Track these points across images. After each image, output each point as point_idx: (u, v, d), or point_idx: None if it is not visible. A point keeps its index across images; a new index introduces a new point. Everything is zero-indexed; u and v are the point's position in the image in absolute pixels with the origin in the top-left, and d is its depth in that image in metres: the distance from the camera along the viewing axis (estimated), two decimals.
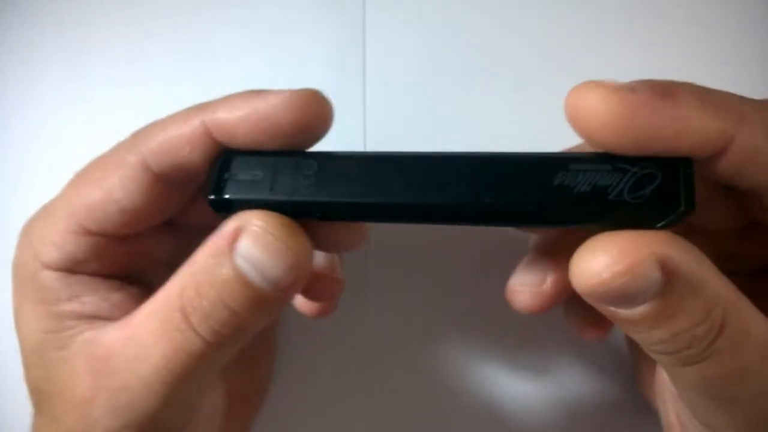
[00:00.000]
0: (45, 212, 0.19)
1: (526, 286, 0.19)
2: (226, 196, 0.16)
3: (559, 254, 0.19)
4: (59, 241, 0.18)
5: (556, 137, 0.27)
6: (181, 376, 0.16)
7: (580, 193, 0.14)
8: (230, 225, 0.16)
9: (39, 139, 0.28)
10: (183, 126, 0.17)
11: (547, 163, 0.14)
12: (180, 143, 0.17)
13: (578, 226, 0.15)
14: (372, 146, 0.27)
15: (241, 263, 0.15)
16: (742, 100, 0.14)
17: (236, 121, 0.17)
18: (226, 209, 0.17)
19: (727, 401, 0.15)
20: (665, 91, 0.14)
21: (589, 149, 0.16)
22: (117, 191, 0.18)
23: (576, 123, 0.14)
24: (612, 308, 0.14)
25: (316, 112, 0.17)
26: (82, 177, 0.19)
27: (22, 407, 0.28)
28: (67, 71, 0.29)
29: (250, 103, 0.17)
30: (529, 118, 0.27)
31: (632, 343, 0.24)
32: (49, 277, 0.18)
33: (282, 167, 0.16)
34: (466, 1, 0.28)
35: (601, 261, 0.13)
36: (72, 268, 0.18)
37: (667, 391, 0.20)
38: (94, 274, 0.19)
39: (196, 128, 0.17)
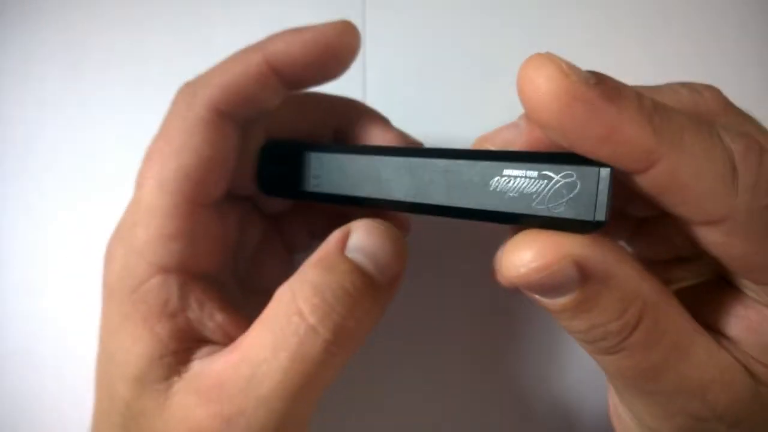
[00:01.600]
0: (138, 214, 0.18)
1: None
2: (271, 188, 0.19)
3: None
4: (172, 228, 0.17)
5: None
6: (301, 388, 0.16)
7: (510, 198, 0.15)
8: (336, 234, 0.17)
9: (38, 139, 0.28)
10: (246, 65, 0.18)
11: (486, 167, 0.15)
12: (246, 82, 0.18)
13: (516, 226, 0.16)
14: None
15: (355, 255, 0.17)
16: (688, 126, 0.14)
17: (299, 55, 0.18)
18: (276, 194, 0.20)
19: (646, 395, 0.16)
20: (612, 94, 0.13)
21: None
22: (205, 148, 0.18)
23: (519, 91, 0.15)
24: (537, 297, 0.15)
25: (354, 34, 0.19)
26: (158, 155, 0.18)
27: (23, 407, 0.28)
28: (66, 71, 0.29)
29: (305, 36, 0.18)
30: None
31: None
32: (162, 283, 0.17)
33: (312, 160, 0.19)
34: (466, 1, 0.28)
35: (522, 257, 0.14)
36: (188, 260, 0.18)
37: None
38: (202, 277, 0.18)
39: (260, 65, 0.18)
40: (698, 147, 0.13)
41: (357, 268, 0.16)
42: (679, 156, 0.13)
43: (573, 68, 0.14)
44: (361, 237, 0.17)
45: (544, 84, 0.14)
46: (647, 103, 0.14)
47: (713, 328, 0.17)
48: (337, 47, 0.19)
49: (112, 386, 0.18)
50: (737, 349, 0.16)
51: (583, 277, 0.14)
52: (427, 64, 0.28)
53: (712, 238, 0.15)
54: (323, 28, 0.19)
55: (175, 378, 0.17)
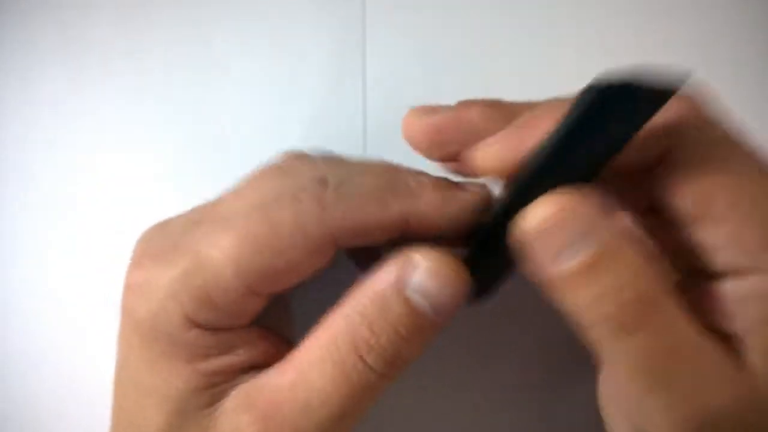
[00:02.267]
0: (199, 271, 0.17)
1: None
2: None
3: None
4: (222, 303, 0.17)
5: None
6: (354, 414, 0.17)
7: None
8: (397, 264, 0.17)
9: (39, 139, 0.28)
10: (382, 214, 0.17)
11: None
12: (374, 230, 0.18)
13: None
14: (372, 146, 0.27)
15: (414, 296, 0.17)
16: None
17: (433, 222, 0.18)
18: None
19: (662, 387, 0.16)
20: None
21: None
22: (301, 266, 0.17)
23: (407, 137, 0.19)
24: (550, 264, 0.15)
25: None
26: (256, 236, 0.17)
27: (23, 408, 0.28)
28: (65, 71, 0.29)
29: (446, 205, 0.18)
30: None
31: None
32: (200, 336, 0.17)
33: None
34: (466, 1, 0.28)
35: (544, 208, 0.15)
36: (227, 325, 0.18)
37: (610, 402, 0.20)
38: (243, 327, 0.18)
39: (395, 221, 0.18)
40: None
41: (414, 312, 0.17)
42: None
43: (427, 107, 0.20)
44: (424, 278, 0.17)
45: (412, 121, 0.20)
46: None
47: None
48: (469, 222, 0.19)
49: (144, 414, 0.17)
50: (724, 338, 0.16)
51: (597, 231, 0.15)
52: (428, 65, 0.28)
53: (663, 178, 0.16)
54: (466, 202, 0.18)
55: (222, 401, 0.17)
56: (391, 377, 0.17)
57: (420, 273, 0.17)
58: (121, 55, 0.28)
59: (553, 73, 0.27)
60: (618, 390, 0.18)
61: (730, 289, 0.16)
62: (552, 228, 0.15)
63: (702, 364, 0.15)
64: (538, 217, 0.15)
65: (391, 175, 0.18)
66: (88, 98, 0.28)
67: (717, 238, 0.16)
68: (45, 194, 0.28)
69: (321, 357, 0.17)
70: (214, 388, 0.17)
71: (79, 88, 0.28)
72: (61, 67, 0.28)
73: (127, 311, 0.18)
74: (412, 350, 0.17)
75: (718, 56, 0.27)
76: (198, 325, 0.17)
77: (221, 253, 0.17)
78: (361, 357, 0.16)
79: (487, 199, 0.19)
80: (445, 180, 0.19)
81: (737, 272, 0.16)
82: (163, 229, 0.19)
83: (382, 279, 0.17)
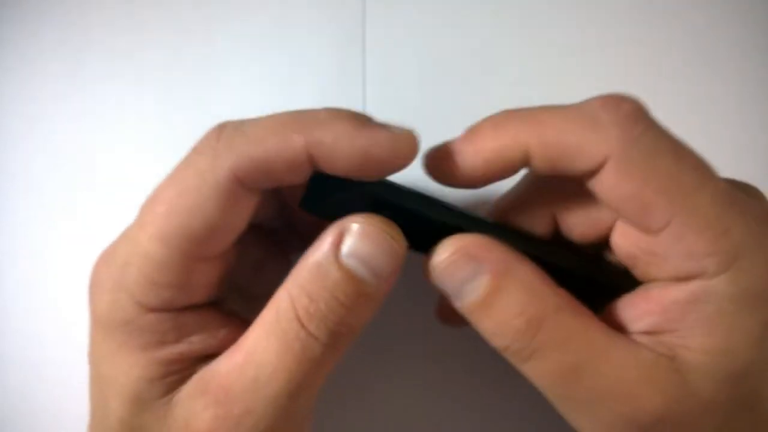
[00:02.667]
0: (134, 257, 0.17)
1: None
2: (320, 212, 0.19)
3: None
4: (166, 278, 0.17)
5: None
6: (304, 385, 0.17)
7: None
8: (330, 233, 0.17)
9: (37, 137, 0.28)
10: (284, 145, 0.17)
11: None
12: (278, 163, 0.17)
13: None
14: None
15: (349, 261, 0.17)
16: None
17: (343, 157, 0.17)
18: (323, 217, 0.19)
19: (574, 401, 0.17)
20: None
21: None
22: (216, 214, 0.17)
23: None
24: (453, 300, 0.17)
25: (413, 155, 0.18)
26: (166, 205, 0.17)
27: (23, 407, 0.28)
28: (66, 69, 0.29)
29: (359, 139, 0.17)
30: None
31: None
32: (156, 320, 0.17)
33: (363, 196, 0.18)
34: (465, 0, 0.28)
35: (440, 256, 0.17)
36: (180, 303, 0.18)
37: None
38: (198, 308, 0.18)
39: (299, 152, 0.17)
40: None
41: (351, 276, 0.17)
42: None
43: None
44: (356, 242, 0.17)
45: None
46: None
47: (629, 329, 0.17)
48: (388, 164, 0.17)
49: (107, 405, 0.18)
50: (659, 342, 0.16)
51: (484, 267, 0.17)
52: (428, 64, 0.28)
53: (604, 184, 0.17)
54: (382, 140, 0.17)
55: (177, 389, 0.17)
56: (337, 347, 0.17)
57: (352, 237, 0.17)
58: (122, 55, 0.28)
59: (552, 72, 0.27)
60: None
61: (673, 293, 0.17)
62: (449, 267, 0.17)
63: (623, 371, 0.16)
64: (440, 256, 0.17)
65: (299, 111, 0.18)
66: (88, 97, 0.28)
67: (658, 245, 0.16)
68: (45, 193, 0.28)
69: (265, 333, 0.17)
70: (171, 377, 0.17)
71: (79, 88, 0.28)
72: (61, 65, 0.28)
73: (90, 312, 0.18)
74: (356, 317, 0.17)
75: (719, 56, 0.27)
76: (152, 309, 0.17)
77: (146, 231, 0.17)
78: (303, 326, 0.16)
79: (411, 143, 0.18)
80: (365, 116, 0.18)
81: (679, 278, 0.16)
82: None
83: (318, 248, 0.17)
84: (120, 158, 0.29)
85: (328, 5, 0.28)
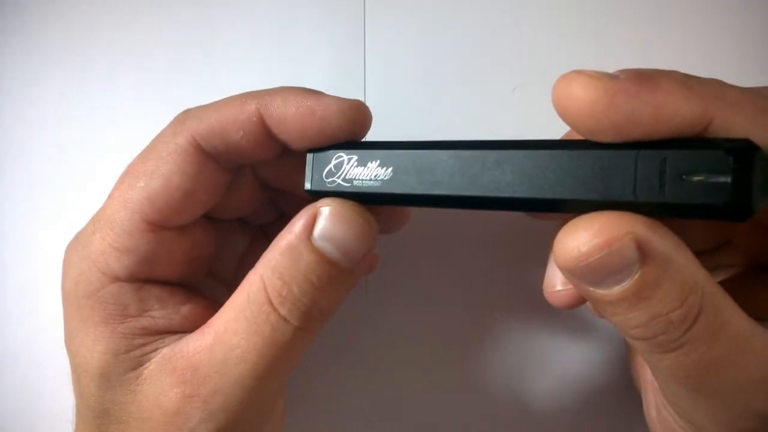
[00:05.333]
0: (99, 223, 0.18)
1: (560, 285, 0.19)
2: (313, 189, 0.18)
3: None
4: (127, 244, 0.18)
5: (555, 136, 0.27)
6: (274, 368, 0.17)
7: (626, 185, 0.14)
8: (303, 215, 0.17)
9: (40, 140, 0.28)
10: (238, 111, 0.18)
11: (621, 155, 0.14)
12: (234, 127, 0.18)
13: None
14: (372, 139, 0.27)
15: (322, 244, 0.17)
16: (723, 84, 0.14)
17: (292, 117, 0.18)
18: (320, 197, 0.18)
19: (705, 393, 0.15)
20: (644, 77, 0.14)
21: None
22: (175, 176, 0.18)
23: (561, 111, 0.15)
24: (591, 288, 0.15)
25: (363, 121, 0.18)
26: (132, 173, 0.18)
27: (23, 407, 0.28)
28: (68, 72, 0.29)
29: (306, 101, 0.18)
30: (528, 117, 0.27)
31: None
32: (118, 291, 0.18)
33: (350, 160, 0.18)
34: (465, 1, 0.28)
35: (581, 236, 0.14)
36: (143, 274, 0.18)
37: (649, 385, 0.20)
38: (161, 283, 0.19)
39: (251, 115, 0.18)
40: (738, 97, 0.14)
41: (324, 259, 0.17)
42: (729, 108, 0.14)
43: (599, 71, 0.14)
44: (328, 224, 0.17)
45: (582, 93, 0.14)
46: (680, 74, 0.14)
47: (759, 318, 0.16)
48: (337, 128, 0.18)
49: (80, 384, 0.18)
50: None
51: (645, 257, 0.14)
52: (428, 64, 0.28)
53: None
54: (330, 102, 0.18)
55: (145, 365, 0.17)
56: (309, 330, 0.17)
57: (324, 219, 0.17)
58: (125, 57, 0.28)
59: (553, 72, 0.27)
60: (665, 404, 0.18)
61: None
62: (597, 261, 0.14)
63: (765, 363, 0.15)
64: (582, 246, 0.14)
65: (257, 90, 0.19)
66: (91, 99, 0.28)
67: None
68: (48, 194, 0.28)
69: (235, 315, 0.17)
70: (135, 352, 0.17)
71: (82, 89, 0.28)
72: (64, 68, 0.28)
73: (61, 290, 0.19)
74: (329, 300, 0.17)
75: (718, 56, 0.27)
76: (114, 278, 0.18)
77: (111, 198, 0.18)
78: (274, 309, 0.16)
79: (358, 107, 0.18)
80: (308, 90, 0.19)
81: None
82: None
83: (290, 230, 0.17)
84: (122, 160, 0.29)
85: (329, 5, 0.28)
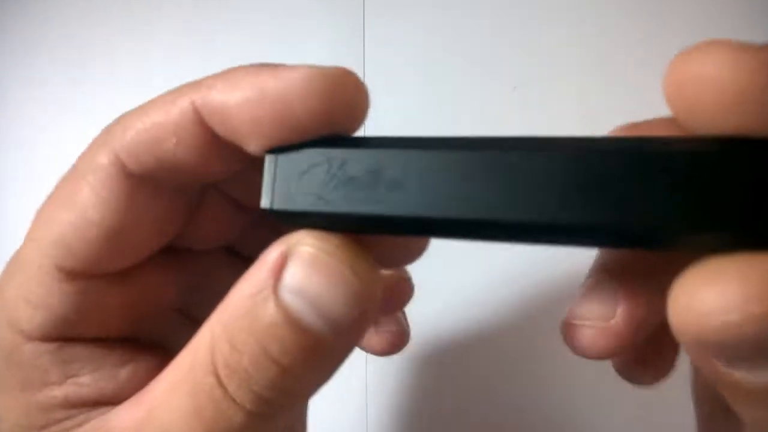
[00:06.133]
0: (15, 262, 0.14)
1: (588, 320, 0.14)
2: (276, 208, 0.12)
3: (636, 277, 0.13)
4: (38, 296, 0.13)
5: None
6: None
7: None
8: (273, 251, 0.12)
9: (40, 140, 0.28)
10: (167, 111, 0.13)
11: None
12: (163, 133, 0.13)
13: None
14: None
15: (290, 298, 0.11)
16: None
17: (235, 105, 0.12)
18: (287, 222, 0.13)
19: None
20: None
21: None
22: (92, 209, 0.13)
23: (683, 99, 0.10)
24: (727, 368, 0.10)
25: (343, 98, 0.12)
26: (49, 203, 0.14)
27: None
28: (69, 71, 0.29)
29: (256, 81, 0.12)
30: (528, 117, 0.27)
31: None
32: (34, 353, 0.14)
33: (335, 165, 0.12)
34: (465, 1, 0.28)
35: (730, 296, 0.09)
36: (63, 332, 0.14)
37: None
38: (92, 340, 0.14)
39: (183, 113, 0.13)
40: None
41: (291, 321, 0.11)
42: None
43: (743, 43, 0.10)
44: (299, 272, 0.11)
45: (726, 71, 0.10)
46: None
47: None
48: (307, 114, 0.12)
49: None
50: None
51: None
52: (428, 64, 0.28)
53: None
54: (291, 76, 0.12)
55: None
56: (269, 419, 0.12)
57: (297, 264, 0.11)
58: (124, 55, 0.28)
59: (553, 72, 0.27)
60: None
61: None
62: (752, 333, 0.09)
63: None
64: (729, 309, 0.09)
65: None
66: (90, 98, 0.28)
67: None
68: (47, 194, 0.28)
69: (175, 385, 0.12)
70: (54, 427, 0.14)
71: (82, 88, 0.28)
72: (64, 66, 0.28)
73: None
74: (297, 381, 0.12)
75: None
76: (30, 337, 0.14)
77: (26, 238, 0.14)
78: (220, 383, 0.12)
79: (343, 87, 0.12)
80: (265, 64, 0.13)
81: None
82: None
83: (253, 273, 0.12)
84: None
85: (328, 6, 0.28)
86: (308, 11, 0.28)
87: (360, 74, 0.28)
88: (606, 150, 0.10)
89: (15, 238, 0.29)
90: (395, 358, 0.26)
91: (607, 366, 0.16)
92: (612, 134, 0.13)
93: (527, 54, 0.28)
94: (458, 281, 0.27)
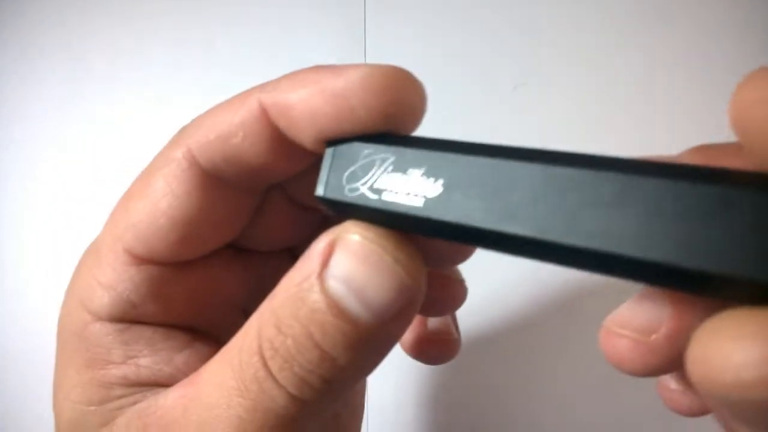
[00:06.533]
0: (92, 247, 0.15)
1: (628, 330, 0.13)
2: (327, 196, 0.13)
3: (691, 297, 0.13)
4: (108, 278, 0.14)
5: (554, 138, 0.27)
6: None
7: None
8: (322, 240, 0.12)
9: (40, 140, 0.28)
10: (236, 109, 0.14)
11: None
12: (231, 129, 0.14)
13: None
14: None
15: (335, 285, 0.12)
16: None
17: (299, 101, 0.13)
18: (337, 211, 0.13)
19: None
20: None
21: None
22: (163, 198, 0.14)
23: (750, 124, 0.10)
24: (740, 425, 0.09)
25: (400, 96, 0.12)
26: (128, 192, 0.15)
27: (23, 407, 0.28)
28: (69, 70, 0.29)
29: (318, 79, 0.13)
30: (528, 118, 0.27)
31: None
32: (101, 332, 0.15)
33: (387, 161, 0.12)
34: (465, 3, 0.28)
35: (748, 352, 0.08)
36: (127, 314, 0.15)
37: None
38: (154, 324, 0.15)
39: (250, 110, 0.14)
40: None
41: (335, 307, 0.12)
42: None
43: None
44: (344, 260, 0.12)
45: None
46: None
47: None
48: (364, 110, 0.12)
49: (56, 424, 0.16)
50: None
51: None
52: (428, 64, 0.28)
53: None
54: (351, 74, 0.12)
55: (113, 424, 0.14)
56: (312, 405, 0.12)
57: (341, 252, 0.12)
58: (124, 56, 0.28)
59: (552, 73, 0.27)
60: None
61: None
62: (758, 393, 0.08)
63: None
64: (741, 361, 0.08)
65: None
66: (90, 99, 0.28)
67: None
68: (47, 194, 0.28)
69: (222, 364, 0.13)
70: (110, 404, 0.14)
71: (82, 89, 0.28)
72: (64, 67, 0.28)
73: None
74: (339, 368, 0.12)
75: (718, 58, 0.27)
76: (98, 317, 0.15)
77: (105, 224, 0.15)
78: (264, 364, 0.12)
79: (399, 84, 0.12)
80: (326, 65, 0.13)
81: None
82: None
83: (304, 260, 0.12)
84: (123, 161, 0.29)
85: (329, 7, 0.28)
86: (309, 11, 0.28)
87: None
88: (674, 176, 0.09)
89: (15, 237, 0.29)
90: (395, 368, 0.26)
91: (613, 384, 0.15)
92: (680, 157, 0.13)
93: (527, 55, 0.28)
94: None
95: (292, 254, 0.19)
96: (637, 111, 0.27)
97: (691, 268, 0.09)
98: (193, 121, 0.15)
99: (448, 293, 0.18)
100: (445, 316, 0.20)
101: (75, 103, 0.28)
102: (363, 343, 0.12)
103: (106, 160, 0.28)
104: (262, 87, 0.14)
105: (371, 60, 0.28)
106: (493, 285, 0.27)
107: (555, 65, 0.27)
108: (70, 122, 0.28)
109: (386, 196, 0.12)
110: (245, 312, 0.18)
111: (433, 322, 0.19)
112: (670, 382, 0.14)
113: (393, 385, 0.26)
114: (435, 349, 0.20)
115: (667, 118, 0.26)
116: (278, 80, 0.14)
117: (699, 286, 0.09)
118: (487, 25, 0.28)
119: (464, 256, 0.16)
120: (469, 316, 0.27)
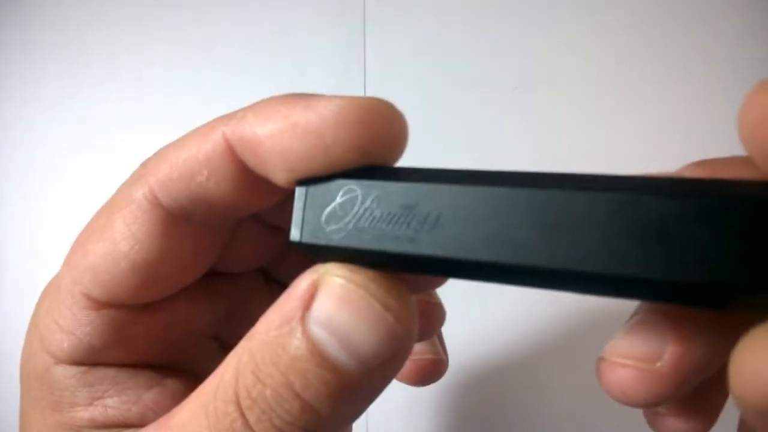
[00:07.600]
0: (52, 286, 0.15)
1: (629, 359, 0.12)
2: (305, 241, 0.12)
3: (693, 319, 0.12)
4: (67, 322, 0.14)
5: (554, 139, 0.27)
6: None
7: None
8: (304, 280, 0.11)
9: (39, 140, 0.28)
10: (199, 144, 0.13)
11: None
12: (195, 166, 0.13)
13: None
14: None
15: (317, 331, 0.11)
16: None
17: (267, 138, 0.12)
18: (317, 256, 0.12)
19: None
20: None
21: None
22: (123, 241, 0.13)
23: (760, 137, 0.09)
24: None
25: (378, 131, 0.11)
26: (86, 231, 0.14)
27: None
28: (67, 71, 0.29)
29: (287, 111, 0.12)
30: (527, 121, 0.27)
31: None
32: (63, 374, 0.14)
33: (367, 198, 0.11)
34: (465, 5, 0.28)
35: None
36: (89, 358, 0.14)
37: None
38: (119, 365, 0.15)
39: (215, 145, 0.12)
40: None
41: (317, 354, 0.11)
42: None
43: None
44: (328, 304, 0.11)
45: None
46: None
47: None
48: (339, 147, 0.11)
49: None
50: None
51: None
52: (428, 65, 0.28)
53: None
54: (323, 107, 0.11)
55: None
56: None
57: (327, 295, 0.11)
58: (124, 56, 0.28)
59: (552, 76, 0.27)
60: None
61: None
62: None
63: None
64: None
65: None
66: (90, 99, 0.28)
67: None
68: (47, 194, 0.28)
69: (197, 410, 0.12)
70: None
71: (82, 89, 0.28)
72: (63, 67, 0.28)
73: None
74: (318, 419, 0.11)
75: (719, 59, 0.27)
76: (60, 360, 0.14)
77: (63, 263, 0.14)
78: (241, 414, 0.11)
79: (377, 118, 0.11)
80: (298, 94, 0.12)
81: None
82: None
83: (284, 301, 0.11)
84: (122, 161, 0.29)
85: (329, 8, 0.28)
86: (309, 12, 0.28)
87: (360, 76, 0.28)
88: (669, 192, 0.08)
89: (15, 238, 0.29)
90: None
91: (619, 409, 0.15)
92: (678, 171, 0.12)
93: (527, 55, 0.28)
94: (462, 307, 0.27)
95: (265, 276, 0.18)
96: (637, 111, 0.27)
97: (712, 283, 0.08)
98: (156, 154, 0.14)
99: (427, 317, 0.18)
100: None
101: (75, 103, 0.28)
102: (348, 393, 0.11)
103: (106, 160, 0.28)
104: (227, 118, 0.13)
105: (371, 60, 0.28)
106: (492, 291, 0.27)
107: (555, 66, 0.27)
108: (70, 122, 0.28)
109: (369, 237, 0.11)
110: (217, 339, 0.17)
111: (418, 344, 0.19)
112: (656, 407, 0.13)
113: (393, 385, 0.26)
114: (420, 372, 0.19)
115: (666, 118, 0.26)
116: (244, 111, 0.12)
117: (719, 300, 0.09)
118: (487, 25, 0.28)
119: (443, 280, 0.15)
120: (469, 323, 0.27)
